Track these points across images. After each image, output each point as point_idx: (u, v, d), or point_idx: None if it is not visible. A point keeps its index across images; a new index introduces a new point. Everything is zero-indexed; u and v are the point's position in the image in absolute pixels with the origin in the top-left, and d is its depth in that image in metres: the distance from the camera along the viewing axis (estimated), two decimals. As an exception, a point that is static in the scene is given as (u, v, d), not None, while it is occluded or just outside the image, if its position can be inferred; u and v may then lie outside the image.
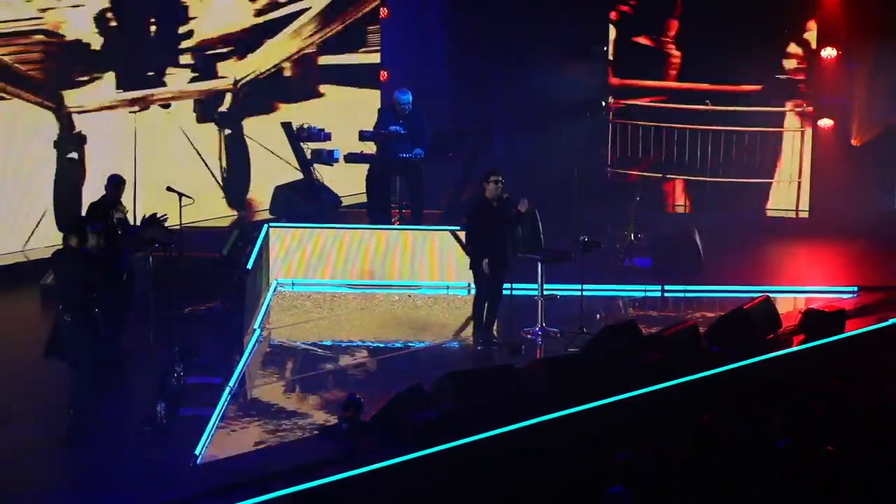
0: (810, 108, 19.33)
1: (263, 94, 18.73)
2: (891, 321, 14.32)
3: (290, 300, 15.81)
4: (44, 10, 16.44)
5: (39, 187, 16.50)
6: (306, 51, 19.22)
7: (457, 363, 13.56)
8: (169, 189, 13.65)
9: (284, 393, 12.99)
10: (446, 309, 15.68)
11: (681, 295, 16.15)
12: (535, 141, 19.40)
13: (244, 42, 18.52)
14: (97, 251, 11.57)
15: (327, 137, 16.91)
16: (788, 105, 19.50)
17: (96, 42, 16.97)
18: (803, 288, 16.20)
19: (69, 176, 16.69)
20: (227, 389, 12.47)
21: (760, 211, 19.70)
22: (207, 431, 11.47)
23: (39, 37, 16.43)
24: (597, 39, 19.73)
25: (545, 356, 13.61)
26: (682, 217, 19.21)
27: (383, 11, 19.83)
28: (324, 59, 19.44)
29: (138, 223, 12.84)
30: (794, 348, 13.64)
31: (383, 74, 19.71)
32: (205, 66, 18.09)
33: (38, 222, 16.39)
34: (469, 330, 14.31)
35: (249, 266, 14.83)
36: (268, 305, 15.47)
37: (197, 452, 11.08)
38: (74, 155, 16.79)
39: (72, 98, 16.75)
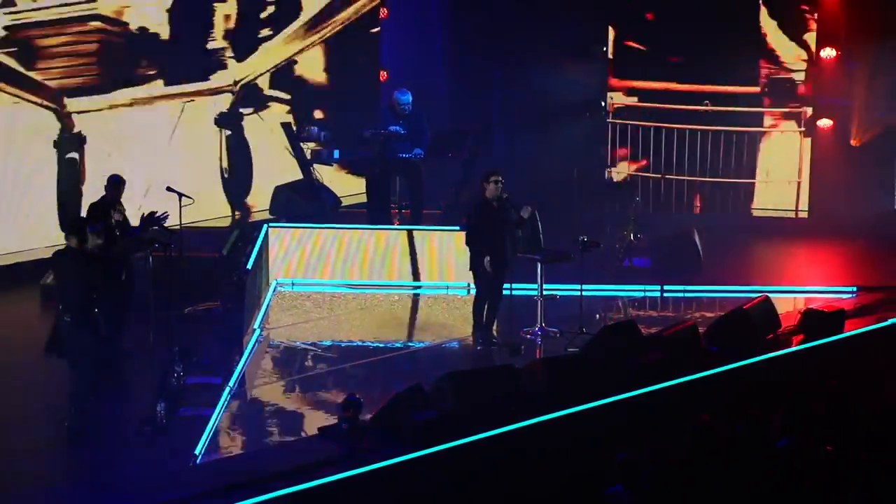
0: (809, 109, 19.34)
1: (263, 94, 18.77)
2: (890, 321, 14.32)
3: (289, 300, 15.82)
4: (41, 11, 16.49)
5: (39, 187, 16.50)
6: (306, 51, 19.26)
7: (456, 363, 13.57)
8: (169, 189, 13.66)
9: (284, 393, 12.99)
10: (446, 309, 15.68)
11: (680, 295, 16.17)
12: (535, 141, 19.40)
13: (245, 43, 18.56)
14: (97, 251, 11.57)
15: (327, 138, 16.93)
16: (788, 106, 19.49)
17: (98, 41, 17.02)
18: (802, 288, 16.21)
19: (69, 176, 16.70)
20: (227, 389, 12.48)
21: (759, 211, 19.69)
22: (207, 431, 11.48)
23: (40, 39, 16.46)
24: (596, 40, 19.73)
25: (545, 356, 13.62)
26: (681, 217, 19.20)
27: (383, 11, 19.84)
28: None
29: (138, 223, 12.87)
30: (794, 348, 13.64)
31: (383, 74, 19.71)
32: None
33: (38, 222, 16.38)
34: (469, 330, 14.32)
35: (249, 266, 14.84)
36: (267, 305, 15.48)
37: (197, 452, 11.09)
38: (74, 155, 16.80)
39: (72, 98, 16.76)
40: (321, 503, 10.21)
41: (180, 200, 13.49)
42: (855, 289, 15.95)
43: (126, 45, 17.33)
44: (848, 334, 14.02)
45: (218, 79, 18.32)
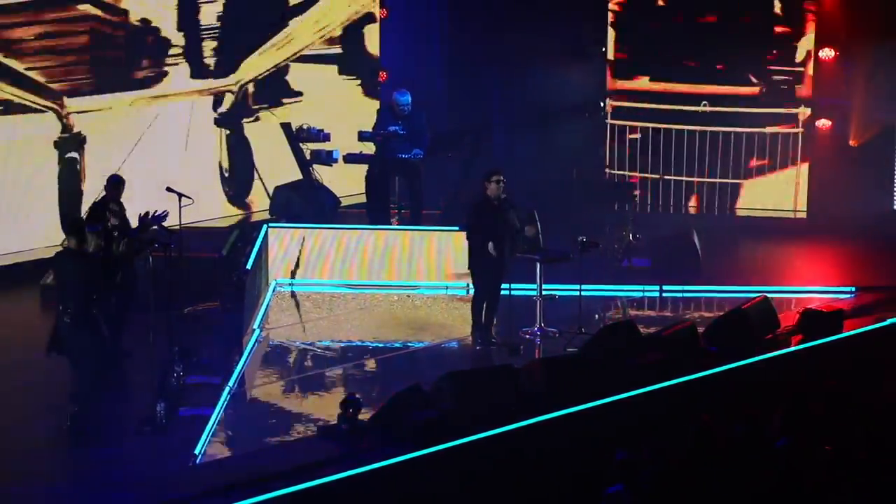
0: (808, 109, 19.35)
1: (263, 94, 18.78)
2: (889, 321, 14.34)
3: (289, 300, 15.83)
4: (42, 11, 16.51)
5: (40, 188, 16.51)
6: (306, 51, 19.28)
7: (455, 363, 13.58)
8: (169, 189, 13.67)
9: (284, 393, 13.00)
10: (445, 309, 15.69)
11: (679, 295, 16.17)
12: (534, 142, 19.41)
13: (245, 43, 18.58)
14: (97, 252, 11.59)
15: (326, 138, 16.94)
16: (786, 106, 19.51)
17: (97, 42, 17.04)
18: (801, 288, 16.21)
19: (69, 176, 16.71)
20: (227, 389, 12.48)
21: (758, 211, 19.71)
22: (207, 431, 11.49)
23: (41, 41, 16.48)
24: (595, 41, 19.75)
25: (544, 356, 13.63)
26: (680, 217, 19.23)
27: (382, 12, 19.86)
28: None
29: (137, 223, 12.87)
30: (793, 348, 13.66)
31: (382, 75, 19.73)
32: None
33: (38, 223, 16.39)
34: (468, 330, 14.33)
35: (249, 266, 14.86)
36: (267, 305, 15.50)
37: (197, 452, 11.10)
38: (75, 155, 16.81)
39: (72, 98, 16.78)
40: (321, 503, 10.22)
41: (180, 200, 13.49)
42: (853, 289, 15.96)
43: (126, 46, 17.35)
44: (847, 334, 14.04)
45: (218, 79, 18.34)
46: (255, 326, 14.61)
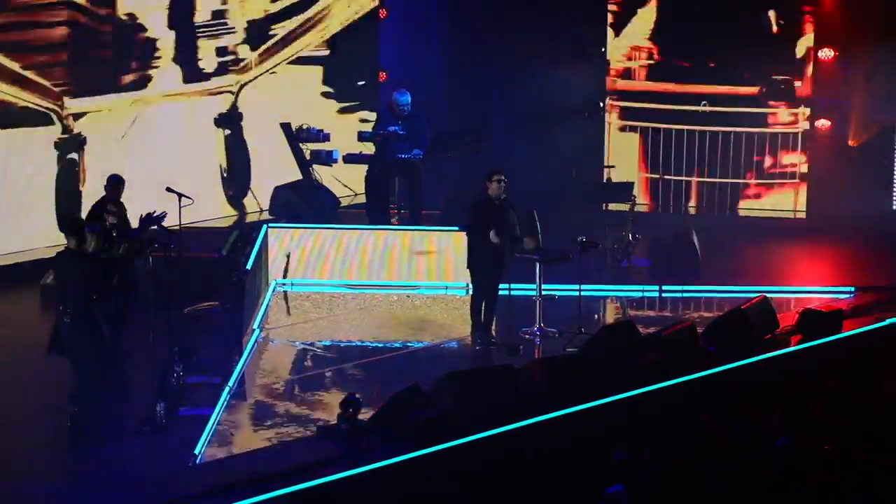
0: (808, 109, 19.36)
1: (264, 94, 18.80)
2: (888, 321, 14.35)
3: (289, 300, 15.84)
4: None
5: (40, 188, 16.52)
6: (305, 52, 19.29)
7: (455, 363, 13.58)
8: (169, 189, 13.67)
9: (284, 393, 13.00)
10: (445, 309, 15.70)
11: (678, 295, 16.18)
12: (534, 142, 19.42)
13: (245, 43, 18.59)
14: (97, 252, 11.59)
15: (326, 138, 16.95)
16: (786, 106, 19.52)
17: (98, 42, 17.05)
18: (801, 288, 16.22)
19: (69, 176, 16.71)
20: (227, 389, 12.49)
21: (757, 211, 19.72)
22: (207, 431, 11.48)
23: (42, 42, 16.49)
24: (595, 41, 19.75)
25: (543, 356, 13.63)
26: (679, 217, 19.23)
27: (382, 12, 19.86)
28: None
29: (138, 224, 12.88)
30: (792, 348, 13.66)
31: (382, 75, 19.74)
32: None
33: (38, 223, 16.40)
34: (467, 330, 14.33)
35: (249, 266, 14.86)
36: (267, 305, 15.51)
37: (197, 452, 11.10)
38: (74, 155, 16.82)
39: (72, 99, 16.78)
40: (320, 503, 10.23)
41: (180, 201, 13.48)
42: (853, 289, 15.97)
43: (126, 46, 17.36)
44: (846, 334, 14.04)
45: (218, 79, 18.34)
46: (255, 326, 14.62)
